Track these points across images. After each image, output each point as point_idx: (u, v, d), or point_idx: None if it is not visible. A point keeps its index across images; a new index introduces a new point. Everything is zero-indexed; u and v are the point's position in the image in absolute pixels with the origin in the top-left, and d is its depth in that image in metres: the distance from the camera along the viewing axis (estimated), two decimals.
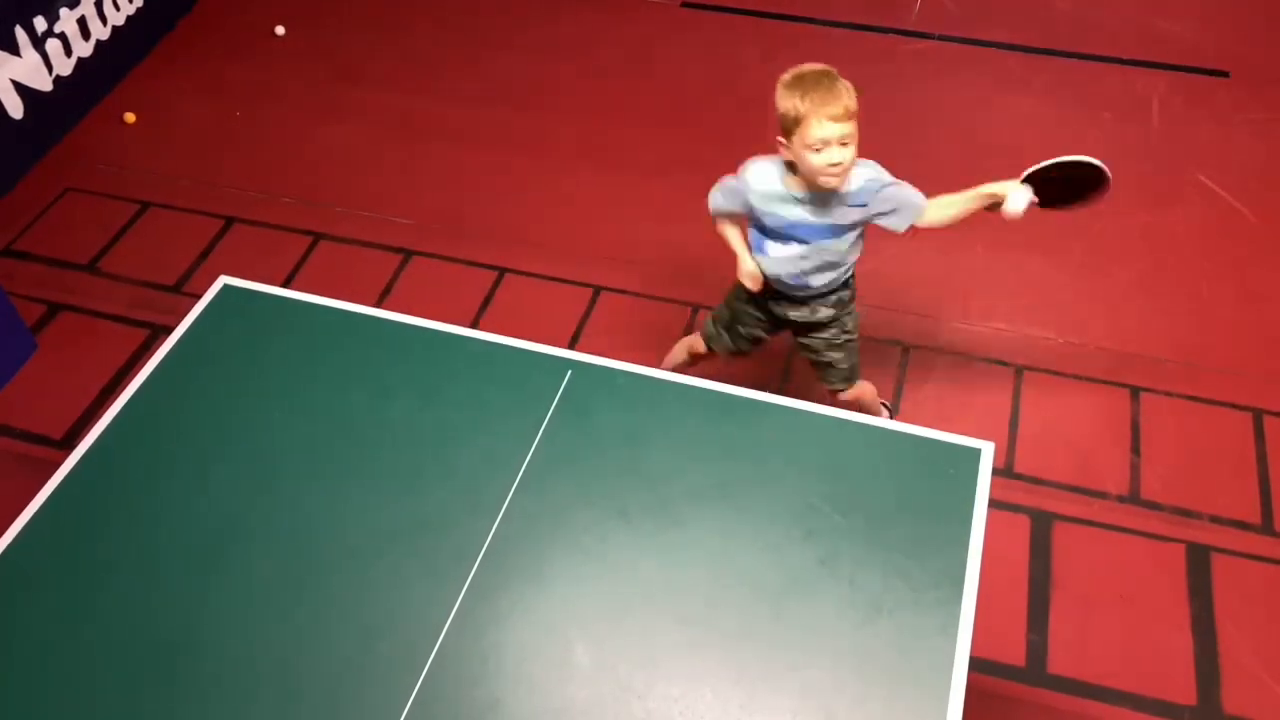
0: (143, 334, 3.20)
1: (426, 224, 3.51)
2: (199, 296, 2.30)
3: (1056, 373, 2.99)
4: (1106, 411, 2.89)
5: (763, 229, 2.32)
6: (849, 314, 2.50)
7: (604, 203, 3.53)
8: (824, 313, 2.45)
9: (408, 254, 3.41)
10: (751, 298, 2.46)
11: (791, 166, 2.21)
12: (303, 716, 1.64)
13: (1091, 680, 2.38)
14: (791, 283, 2.36)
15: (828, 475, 1.90)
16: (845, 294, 2.46)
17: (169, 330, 2.24)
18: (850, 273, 2.42)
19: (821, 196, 2.21)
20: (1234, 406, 2.89)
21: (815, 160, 2.12)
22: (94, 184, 3.71)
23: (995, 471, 2.60)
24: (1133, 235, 3.38)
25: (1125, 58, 4.04)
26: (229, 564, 1.82)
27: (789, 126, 2.12)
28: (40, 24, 3.68)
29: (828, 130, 2.09)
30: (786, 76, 2.14)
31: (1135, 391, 2.94)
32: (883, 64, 4.06)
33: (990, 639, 2.41)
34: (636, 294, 3.24)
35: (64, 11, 3.77)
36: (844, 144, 2.12)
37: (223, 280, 2.33)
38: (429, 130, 3.86)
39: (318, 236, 3.49)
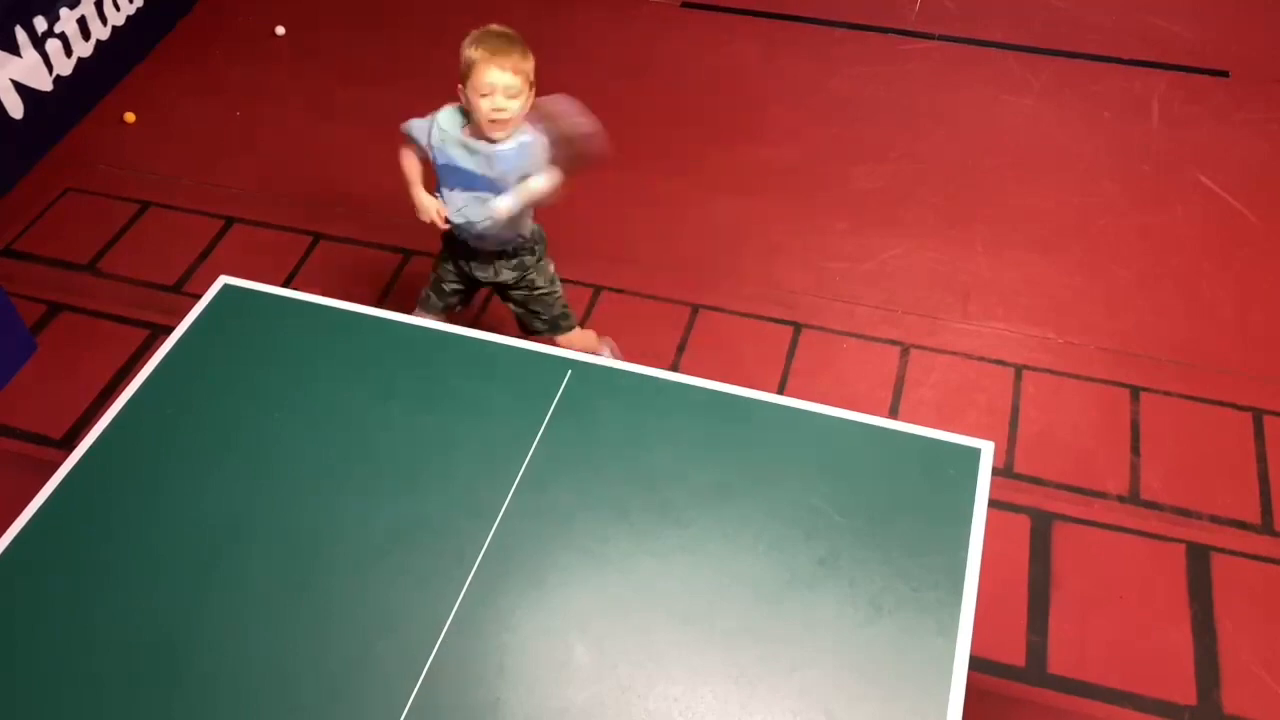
0: (143, 334, 3.20)
1: (427, 225, 3.50)
2: (199, 296, 2.30)
3: (1056, 373, 2.99)
4: (1106, 411, 2.89)
5: (438, 172, 2.44)
6: (536, 272, 2.61)
7: (604, 202, 3.53)
8: (507, 274, 2.58)
9: (407, 254, 3.41)
10: (448, 256, 2.61)
11: (468, 116, 2.36)
12: (303, 716, 1.64)
13: (1091, 680, 2.38)
14: (466, 231, 2.47)
15: (828, 475, 1.90)
16: (528, 258, 2.58)
17: (169, 330, 2.24)
18: (530, 238, 2.56)
19: (485, 148, 2.34)
20: (1234, 406, 2.89)
21: (482, 104, 2.28)
22: (94, 184, 3.71)
23: (995, 471, 2.60)
24: (1133, 235, 3.38)
25: (1125, 58, 4.04)
26: (229, 564, 1.82)
27: (464, 73, 2.29)
28: (40, 24, 3.68)
29: (494, 78, 2.25)
30: (475, 32, 2.33)
31: (1135, 391, 2.94)
32: (883, 64, 4.06)
33: (990, 639, 2.42)
34: (636, 293, 3.24)
35: (64, 11, 3.77)
36: (510, 95, 2.28)
37: (223, 280, 2.33)
38: None
39: (318, 236, 3.49)
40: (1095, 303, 3.18)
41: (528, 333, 2.71)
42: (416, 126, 2.44)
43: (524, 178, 2.36)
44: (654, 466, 1.92)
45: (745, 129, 3.79)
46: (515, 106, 2.30)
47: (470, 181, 2.39)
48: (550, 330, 2.70)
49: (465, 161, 2.37)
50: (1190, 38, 4.12)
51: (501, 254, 2.54)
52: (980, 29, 4.20)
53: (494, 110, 2.28)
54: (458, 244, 2.55)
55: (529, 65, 2.31)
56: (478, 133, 2.34)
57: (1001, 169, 3.64)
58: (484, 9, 4.43)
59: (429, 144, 2.41)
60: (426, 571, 1.79)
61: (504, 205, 2.36)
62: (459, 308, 2.74)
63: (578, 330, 2.76)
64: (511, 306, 2.69)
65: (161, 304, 3.28)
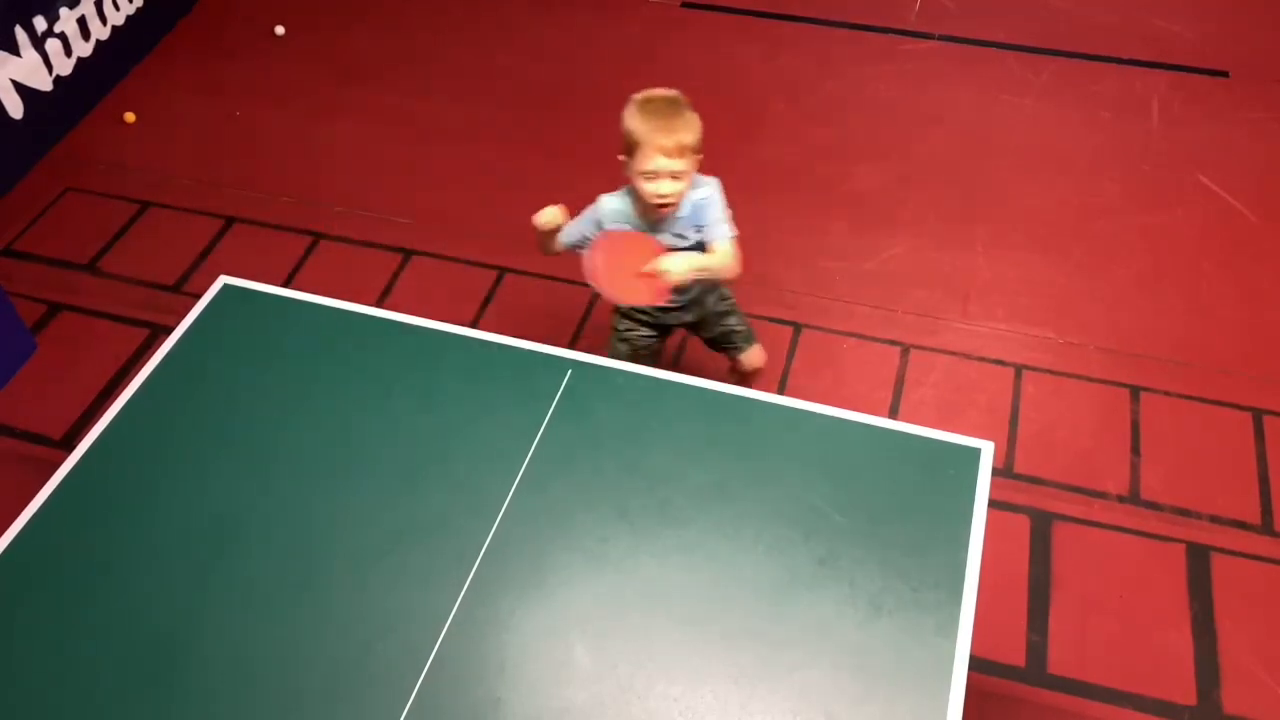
0: (143, 334, 3.20)
1: (426, 224, 3.51)
2: (199, 296, 2.30)
3: (1056, 373, 2.99)
4: (1106, 411, 2.89)
5: None
6: (714, 295, 2.54)
7: None
8: (711, 301, 2.52)
9: (408, 254, 3.41)
10: (637, 324, 2.53)
11: (633, 191, 2.27)
12: (303, 716, 1.64)
13: (1091, 680, 2.38)
14: (673, 300, 2.36)
15: (828, 475, 1.90)
16: (709, 296, 2.51)
17: (169, 330, 2.24)
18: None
19: (663, 225, 2.28)
20: (1234, 406, 2.89)
21: (646, 187, 2.19)
22: (94, 184, 3.71)
23: (995, 471, 2.60)
24: (1133, 235, 3.38)
25: (1125, 58, 4.04)
26: (229, 564, 1.82)
27: (629, 147, 2.19)
28: (40, 24, 3.68)
29: (658, 163, 2.15)
30: (639, 96, 2.21)
31: (1135, 391, 2.94)
32: (883, 64, 4.06)
33: (990, 639, 2.42)
34: None
35: (64, 11, 3.77)
36: (675, 178, 2.17)
37: (223, 280, 2.33)
38: (429, 130, 3.86)
39: (318, 236, 3.49)
40: (1095, 303, 3.18)
41: (732, 355, 2.66)
42: (579, 229, 2.33)
43: (700, 228, 2.27)
44: (654, 466, 1.92)
45: (745, 129, 3.79)
46: (681, 188, 2.20)
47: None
48: (748, 340, 2.64)
49: (645, 229, 2.29)
50: (1190, 38, 4.12)
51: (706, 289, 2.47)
52: (980, 29, 4.20)
53: (658, 196, 2.18)
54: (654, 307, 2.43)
55: (694, 137, 2.16)
56: (648, 211, 2.25)
57: (1001, 169, 3.64)
58: (484, 8, 4.44)
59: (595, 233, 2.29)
60: (426, 571, 1.79)
61: (676, 274, 2.22)
62: (656, 358, 2.64)
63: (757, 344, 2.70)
64: (711, 336, 2.62)
65: (161, 304, 3.28)
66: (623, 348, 2.60)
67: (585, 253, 2.28)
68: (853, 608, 1.72)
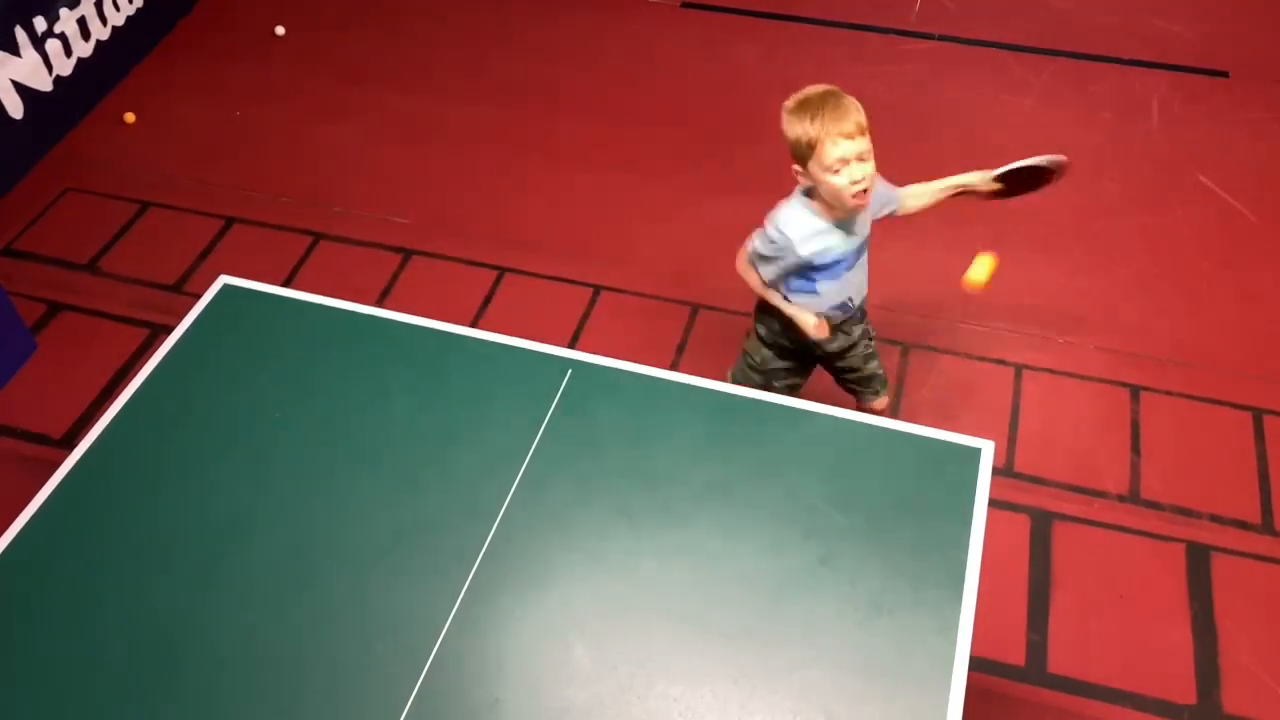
0: (143, 334, 3.20)
1: (426, 224, 3.51)
2: (199, 296, 2.30)
3: (1056, 372, 2.99)
4: (1106, 411, 2.89)
5: (812, 270, 2.23)
6: (867, 318, 2.48)
7: (604, 202, 3.53)
8: (857, 330, 2.42)
9: (408, 254, 3.41)
10: (773, 339, 2.42)
11: (814, 194, 2.16)
12: (303, 716, 1.64)
13: (1091, 680, 2.38)
14: (844, 313, 2.32)
15: (828, 475, 1.90)
16: (864, 303, 2.43)
17: (169, 330, 2.23)
18: None
19: (858, 222, 2.19)
20: (1234, 406, 2.89)
21: (836, 182, 2.07)
22: (94, 184, 3.71)
23: (995, 471, 2.60)
24: (1133, 235, 3.38)
25: (1125, 58, 4.04)
26: (229, 564, 1.82)
27: (803, 153, 2.08)
28: (40, 24, 3.68)
29: (844, 149, 2.05)
30: (791, 103, 2.10)
31: (1135, 391, 2.94)
32: (883, 64, 4.06)
33: (990, 639, 2.42)
34: (637, 293, 3.24)
35: (64, 11, 3.77)
36: (862, 159, 2.07)
37: (223, 280, 2.32)
38: (429, 130, 3.86)
39: (318, 236, 3.49)
40: (1095, 303, 3.18)
41: (866, 398, 2.57)
42: (771, 265, 2.23)
43: (879, 209, 2.23)
44: (654, 466, 1.92)
45: (745, 129, 3.79)
46: (871, 169, 2.09)
47: (852, 257, 2.24)
48: (886, 383, 2.57)
49: (845, 245, 2.20)
50: (1190, 38, 4.12)
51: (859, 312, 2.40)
52: (980, 29, 4.19)
53: (853, 184, 2.07)
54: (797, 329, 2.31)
55: (865, 116, 2.08)
56: (837, 211, 2.15)
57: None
58: (484, 8, 4.44)
59: (801, 260, 2.19)
60: (426, 571, 1.79)
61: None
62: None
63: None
64: (851, 377, 2.52)
65: (161, 304, 3.28)
66: (753, 359, 2.49)
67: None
68: (853, 607, 1.72)
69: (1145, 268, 3.28)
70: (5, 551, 1.85)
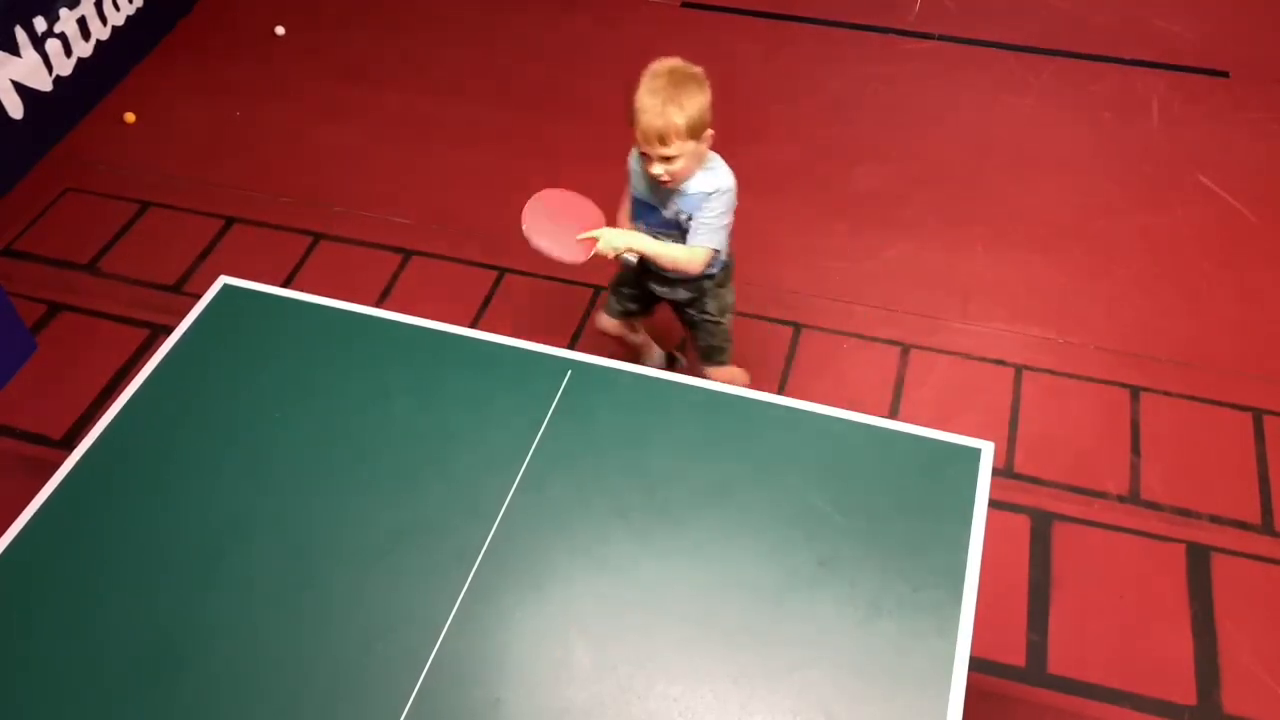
0: (143, 334, 3.20)
1: (426, 224, 3.51)
2: (199, 296, 2.30)
3: (1056, 373, 2.99)
4: (1106, 411, 2.89)
5: (633, 203, 2.42)
6: (710, 298, 2.53)
7: (604, 203, 3.51)
8: (682, 294, 2.53)
9: (408, 254, 3.41)
10: (626, 282, 2.59)
11: None
12: (303, 716, 1.64)
13: (1091, 680, 2.38)
14: (627, 263, 2.45)
15: (828, 475, 1.90)
16: (706, 283, 2.49)
17: (169, 330, 2.24)
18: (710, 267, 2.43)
19: (659, 187, 2.30)
20: (1234, 406, 2.89)
21: (642, 161, 2.23)
22: (94, 184, 3.71)
23: (995, 471, 2.60)
24: (1133, 235, 3.38)
25: (1125, 58, 4.04)
26: (229, 564, 1.82)
27: (631, 119, 2.18)
28: (40, 24, 3.68)
29: (643, 146, 2.18)
30: (653, 66, 2.17)
31: (1135, 391, 2.94)
32: (883, 64, 4.06)
33: (990, 639, 2.42)
34: None
35: (64, 11, 3.77)
36: (665, 160, 2.17)
37: (223, 280, 2.33)
38: (429, 130, 3.86)
39: (318, 236, 3.49)
40: (1095, 303, 3.18)
41: (700, 359, 2.70)
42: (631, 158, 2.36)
43: (690, 220, 2.30)
44: (654, 466, 1.92)
45: (745, 129, 3.79)
46: (675, 169, 2.19)
47: (650, 215, 2.37)
48: (703, 358, 2.68)
49: (648, 195, 2.35)
50: (1190, 38, 4.12)
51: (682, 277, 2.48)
52: (980, 29, 4.20)
53: (651, 175, 2.23)
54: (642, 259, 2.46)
55: (687, 119, 2.11)
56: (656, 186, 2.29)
57: (1001, 169, 3.64)
58: (484, 8, 4.44)
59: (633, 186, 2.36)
60: (426, 571, 1.79)
61: (607, 247, 2.29)
62: (637, 317, 2.73)
63: (728, 368, 2.72)
64: (687, 322, 2.66)
65: (161, 304, 3.28)
66: (612, 298, 2.69)
67: (531, 202, 2.30)
68: (853, 608, 1.72)
69: (1145, 268, 3.28)
70: (5, 551, 1.85)
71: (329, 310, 2.26)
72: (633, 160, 2.35)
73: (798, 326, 3.13)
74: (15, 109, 3.65)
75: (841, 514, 1.84)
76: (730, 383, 2.68)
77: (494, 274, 3.33)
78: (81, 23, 3.87)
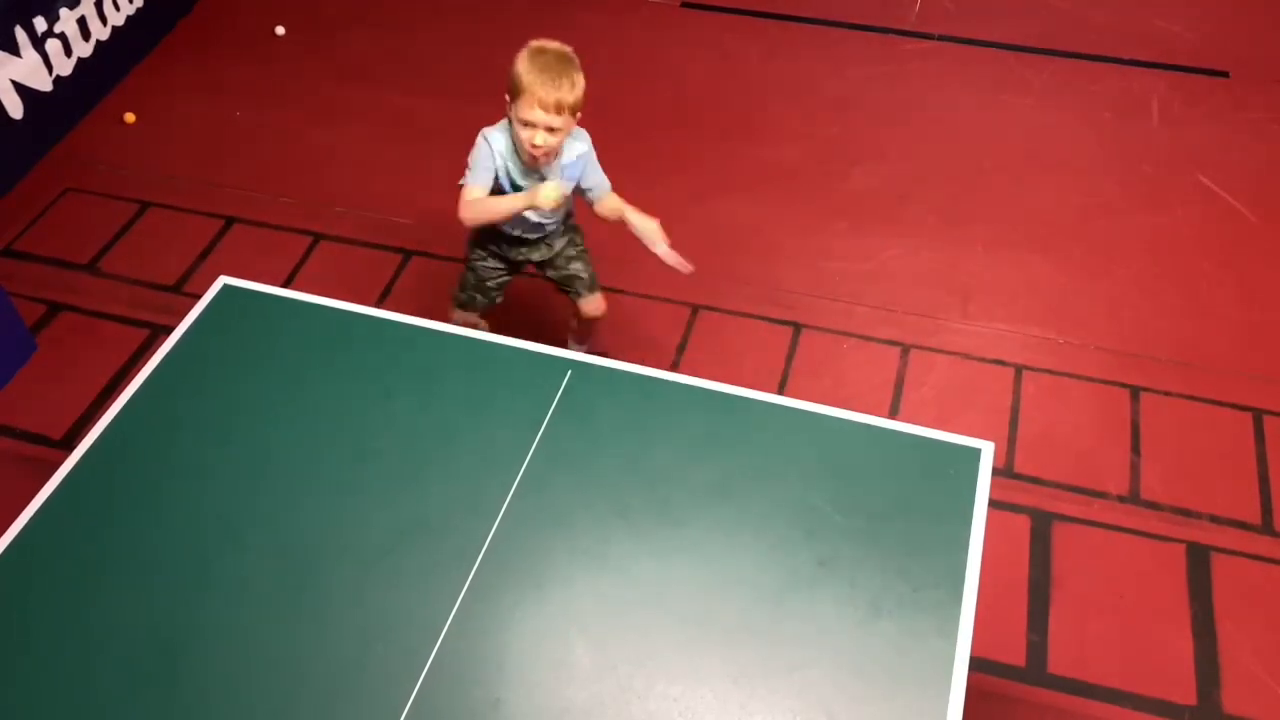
0: (143, 334, 3.20)
1: (426, 224, 3.51)
2: (199, 296, 2.30)
3: (1056, 373, 2.99)
4: (1106, 411, 2.89)
5: (506, 188, 2.46)
6: (576, 233, 2.70)
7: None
8: (559, 243, 2.65)
9: (408, 254, 3.41)
10: (488, 254, 2.65)
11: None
12: (302, 717, 1.64)
13: (1091, 680, 2.38)
14: (532, 229, 2.55)
15: (828, 475, 1.90)
16: (570, 220, 2.66)
17: (169, 330, 2.23)
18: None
19: (539, 169, 2.40)
20: (1234, 406, 2.89)
21: (521, 134, 2.29)
22: (94, 184, 3.71)
23: (995, 471, 2.60)
24: (1133, 235, 3.38)
25: (1125, 58, 4.04)
26: (228, 564, 1.82)
27: (513, 90, 2.28)
28: (40, 24, 3.68)
29: (537, 115, 2.25)
30: (534, 44, 2.30)
31: (1135, 391, 2.94)
32: (883, 64, 4.06)
33: (990, 639, 2.42)
34: (636, 294, 3.24)
35: (64, 11, 3.77)
36: (550, 131, 2.27)
37: (223, 280, 2.33)
38: (429, 130, 3.86)
39: (318, 236, 3.49)
40: (1095, 303, 3.18)
41: (574, 298, 2.78)
42: (483, 168, 2.40)
43: (579, 181, 2.45)
44: (654, 466, 1.92)
45: (745, 129, 3.79)
46: (555, 141, 2.31)
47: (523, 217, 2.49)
48: (591, 288, 2.76)
49: (525, 180, 2.42)
50: (1190, 38, 4.12)
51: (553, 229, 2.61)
52: (980, 29, 4.20)
53: (531, 145, 2.30)
54: (504, 238, 2.58)
55: (575, 97, 2.28)
56: (531, 162, 2.37)
57: (1001, 169, 3.64)
58: (484, 9, 4.44)
59: (497, 171, 2.40)
60: (426, 571, 1.79)
61: (547, 198, 2.37)
62: (500, 301, 2.79)
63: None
64: (557, 276, 2.73)
65: (161, 304, 3.28)
66: (470, 277, 2.72)
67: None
68: (853, 608, 1.72)
69: (1145, 268, 3.28)
70: (5, 552, 1.85)
71: (329, 310, 2.25)
72: (498, 146, 2.37)
73: (798, 326, 3.14)
74: (15, 109, 3.65)
75: (841, 514, 1.84)
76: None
77: None
78: (81, 23, 3.87)
